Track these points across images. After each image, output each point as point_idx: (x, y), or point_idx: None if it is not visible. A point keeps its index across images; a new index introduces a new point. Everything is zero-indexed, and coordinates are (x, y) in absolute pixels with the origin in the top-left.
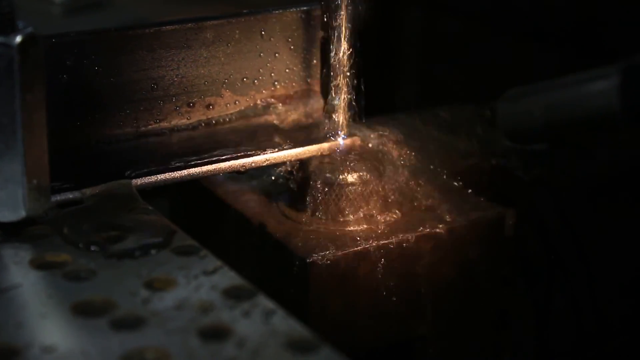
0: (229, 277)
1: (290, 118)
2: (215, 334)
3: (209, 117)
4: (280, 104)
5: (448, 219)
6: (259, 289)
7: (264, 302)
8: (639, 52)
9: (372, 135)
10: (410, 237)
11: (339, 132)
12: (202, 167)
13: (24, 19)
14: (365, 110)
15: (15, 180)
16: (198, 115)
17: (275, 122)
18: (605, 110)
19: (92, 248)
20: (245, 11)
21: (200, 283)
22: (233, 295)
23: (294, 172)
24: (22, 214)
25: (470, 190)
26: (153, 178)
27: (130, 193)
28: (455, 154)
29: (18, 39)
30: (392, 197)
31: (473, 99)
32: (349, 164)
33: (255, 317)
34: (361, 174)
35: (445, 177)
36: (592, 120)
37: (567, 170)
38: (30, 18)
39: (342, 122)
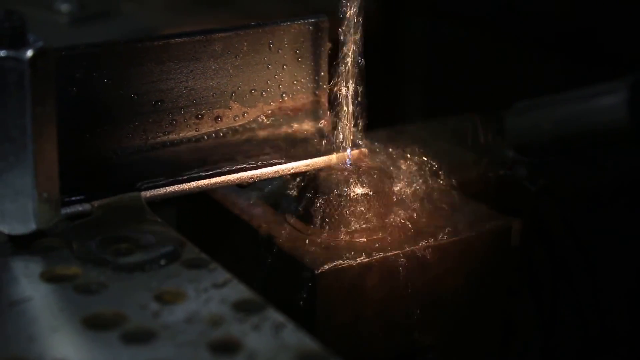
0: (238, 290)
1: (298, 130)
2: (226, 348)
3: (217, 128)
4: (288, 116)
5: (455, 230)
6: (269, 302)
7: (274, 315)
8: None
9: (379, 147)
10: (417, 248)
11: (347, 143)
12: (211, 178)
13: (31, 30)
14: (372, 121)
15: (25, 193)
16: (206, 127)
17: (283, 133)
18: (613, 124)
19: (93, 265)
20: (253, 23)
21: (210, 296)
22: (243, 308)
23: (302, 184)
24: (32, 226)
25: (476, 201)
26: (162, 190)
27: (139, 205)
28: (461, 164)
29: (29, 53)
30: (399, 208)
31: (478, 108)
32: (357, 175)
33: (265, 330)
34: (368, 185)
35: (451, 187)
36: (600, 135)
37: (572, 180)
38: (37, 28)
39: (350, 134)
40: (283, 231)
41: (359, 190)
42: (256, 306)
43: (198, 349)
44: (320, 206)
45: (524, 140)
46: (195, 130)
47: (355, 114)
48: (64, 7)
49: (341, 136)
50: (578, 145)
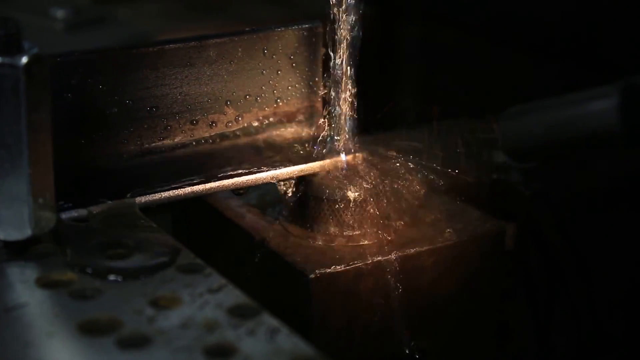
0: (233, 295)
1: (293, 135)
2: (221, 353)
3: (212, 134)
4: (283, 121)
5: (449, 234)
6: (263, 307)
7: (269, 320)
8: (638, 69)
9: (373, 152)
10: (411, 252)
11: (341, 148)
12: (206, 184)
13: (26, 36)
14: (366, 125)
15: (21, 199)
16: (201, 133)
17: (277, 139)
18: (605, 129)
19: (88, 271)
20: (247, 29)
21: (205, 301)
22: (238, 313)
23: (297, 189)
24: (27, 232)
25: (470, 205)
26: (157, 196)
27: (134, 211)
28: (455, 169)
29: (24, 59)
30: (394, 212)
31: (473, 112)
32: (351, 180)
33: (260, 335)
34: (362, 190)
35: (446, 192)
36: (593, 139)
37: (566, 184)
38: (33, 35)
39: (344, 139)
40: (277, 236)
41: (353, 194)
42: (251, 311)
43: (193, 354)
44: (314, 211)
45: (517, 144)
46: (190, 136)
47: (350, 119)
48: (59, 14)
49: (335, 141)
50: (571, 149)
